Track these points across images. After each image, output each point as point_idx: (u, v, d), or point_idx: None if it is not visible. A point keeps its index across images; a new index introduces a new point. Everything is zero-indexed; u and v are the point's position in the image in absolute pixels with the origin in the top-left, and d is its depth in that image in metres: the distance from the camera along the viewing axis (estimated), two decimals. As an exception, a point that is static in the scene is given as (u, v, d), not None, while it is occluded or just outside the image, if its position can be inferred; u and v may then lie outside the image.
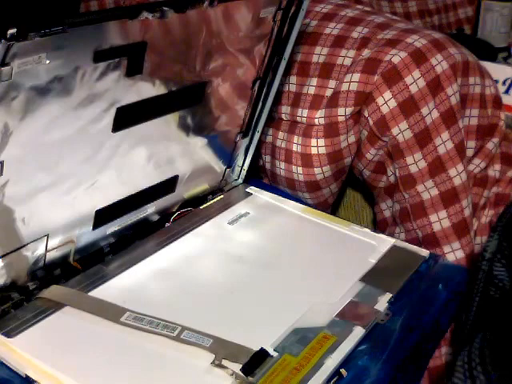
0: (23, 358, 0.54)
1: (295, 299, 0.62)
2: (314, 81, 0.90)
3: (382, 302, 0.64)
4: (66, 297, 0.61)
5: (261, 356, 0.54)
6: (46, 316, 0.58)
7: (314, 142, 0.89)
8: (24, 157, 0.55)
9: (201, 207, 0.80)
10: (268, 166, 0.96)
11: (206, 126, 0.75)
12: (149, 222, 0.76)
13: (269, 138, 0.95)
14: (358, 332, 0.60)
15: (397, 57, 0.85)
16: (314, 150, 0.90)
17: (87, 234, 0.68)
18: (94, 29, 0.53)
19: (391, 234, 0.89)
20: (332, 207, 1.00)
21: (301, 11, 0.73)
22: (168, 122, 0.69)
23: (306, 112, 0.90)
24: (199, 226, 0.76)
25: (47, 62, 0.50)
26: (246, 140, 0.83)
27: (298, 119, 0.91)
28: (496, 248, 0.54)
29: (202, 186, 0.82)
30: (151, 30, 0.59)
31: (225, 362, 0.54)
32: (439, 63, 0.85)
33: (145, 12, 0.56)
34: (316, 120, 0.89)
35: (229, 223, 0.77)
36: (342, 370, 0.56)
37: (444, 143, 0.86)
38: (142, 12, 0.56)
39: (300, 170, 0.91)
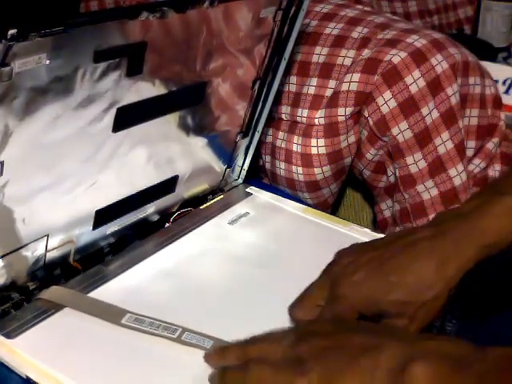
0: (24, 359, 0.53)
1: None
2: (314, 81, 0.90)
3: (383, 303, 0.63)
4: (65, 298, 0.61)
5: (261, 357, 0.54)
6: (47, 317, 0.58)
7: (314, 141, 0.89)
8: (24, 157, 0.54)
9: (201, 207, 0.80)
10: (268, 165, 0.96)
11: (206, 126, 0.75)
12: (149, 222, 0.75)
13: (269, 138, 0.95)
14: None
15: (397, 57, 0.85)
16: (314, 150, 0.90)
17: (87, 234, 0.68)
18: (94, 29, 0.53)
19: (391, 234, 0.89)
20: (332, 207, 1.00)
21: (301, 11, 0.73)
22: (168, 122, 0.69)
23: (306, 112, 0.90)
24: (199, 226, 0.75)
25: (47, 62, 0.50)
26: (246, 140, 0.83)
27: (298, 119, 0.91)
28: (446, 308, 0.54)
29: (201, 186, 0.82)
30: (151, 30, 0.59)
31: (225, 363, 0.54)
32: (439, 63, 0.85)
33: (145, 12, 0.56)
34: (316, 120, 0.89)
35: (229, 223, 0.76)
36: None
37: (444, 143, 0.86)
38: (142, 12, 0.56)
39: (300, 170, 0.91)
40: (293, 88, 0.92)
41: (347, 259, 0.55)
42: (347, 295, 0.53)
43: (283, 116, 0.93)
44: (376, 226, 0.98)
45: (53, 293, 0.61)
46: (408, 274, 0.51)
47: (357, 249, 0.57)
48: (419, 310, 0.51)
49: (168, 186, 0.75)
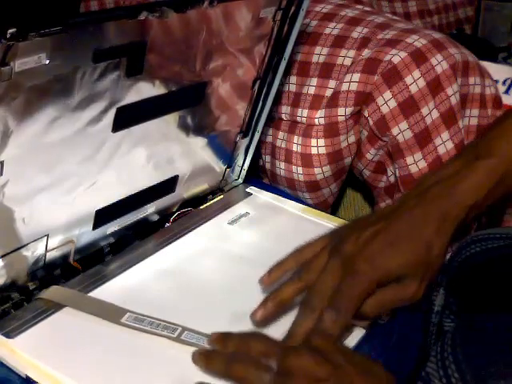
0: (23, 358, 0.54)
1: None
2: (314, 81, 0.90)
3: (382, 302, 0.63)
4: (66, 298, 0.61)
5: (261, 356, 0.54)
6: (47, 317, 0.58)
7: (314, 141, 0.89)
8: (24, 157, 0.55)
9: (201, 207, 0.80)
10: (268, 166, 0.96)
11: (206, 126, 0.75)
12: (149, 222, 0.75)
13: (269, 138, 0.95)
14: (358, 332, 0.60)
15: (397, 57, 0.85)
16: (314, 150, 0.90)
17: (87, 234, 0.68)
18: (93, 29, 0.53)
19: (391, 234, 0.89)
20: (332, 207, 1.00)
21: (301, 11, 0.73)
22: (168, 122, 0.69)
23: (306, 112, 0.90)
24: (199, 226, 0.75)
25: (47, 61, 0.50)
26: (246, 140, 0.83)
27: (298, 119, 0.91)
28: (443, 303, 0.56)
29: (201, 186, 0.82)
30: (151, 29, 0.59)
31: (225, 363, 0.54)
32: (439, 63, 0.85)
33: (145, 12, 0.56)
34: (316, 120, 0.89)
35: (229, 223, 0.77)
36: None
37: (444, 143, 0.86)
38: (141, 12, 0.56)
39: (300, 170, 0.91)
40: (293, 88, 0.92)
41: (353, 237, 0.58)
42: (366, 270, 0.55)
43: (283, 116, 0.93)
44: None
45: (53, 292, 0.61)
46: (412, 239, 0.56)
47: (353, 227, 0.60)
48: (427, 270, 0.56)
49: (168, 185, 0.75)
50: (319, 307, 0.55)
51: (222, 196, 0.83)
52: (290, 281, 0.59)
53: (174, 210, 0.78)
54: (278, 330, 0.58)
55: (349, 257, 0.56)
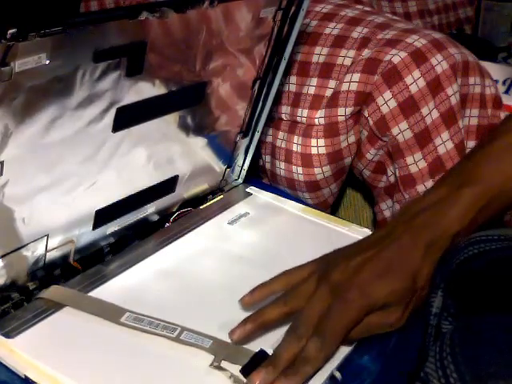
0: (23, 358, 0.53)
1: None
2: (314, 81, 0.90)
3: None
4: (65, 297, 0.61)
5: (260, 357, 0.54)
6: (46, 316, 0.58)
7: (314, 141, 0.89)
8: (24, 157, 0.55)
9: (201, 207, 0.80)
10: (268, 166, 0.96)
11: (206, 126, 0.75)
12: (149, 222, 0.75)
13: (269, 138, 0.95)
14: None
15: (397, 57, 0.85)
16: (314, 150, 0.90)
17: (87, 234, 0.68)
18: (93, 29, 0.53)
19: (391, 234, 0.89)
20: (332, 207, 1.00)
21: (301, 11, 0.73)
22: (168, 122, 0.69)
23: (306, 112, 0.90)
24: (199, 226, 0.75)
25: (47, 62, 0.50)
26: (246, 140, 0.83)
27: (298, 119, 0.91)
28: (442, 305, 0.56)
29: (201, 186, 0.82)
30: (151, 29, 0.59)
31: (224, 364, 0.54)
32: (439, 63, 0.85)
33: (145, 12, 0.56)
34: (316, 120, 0.89)
35: (229, 223, 0.77)
36: (336, 373, 0.55)
37: (444, 143, 0.86)
38: (142, 12, 0.56)
39: (300, 170, 0.91)
40: (293, 88, 0.92)
41: (342, 265, 0.57)
42: (355, 299, 0.55)
43: (283, 116, 0.93)
44: (376, 225, 0.98)
45: (53, 292, 0.61)
46: (400, 269, 0.57)
47: (342, 254, 0.60)
48: (412, 298, 0.57)
49: (168, 185, 0.75)
50: (306, 335, 0.54)
51: (221, 196, 0.83)
52: (274, 304, 0.58)
53: (174, 210, 0.78)
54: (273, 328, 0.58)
55: (338, 285, 0.56)
